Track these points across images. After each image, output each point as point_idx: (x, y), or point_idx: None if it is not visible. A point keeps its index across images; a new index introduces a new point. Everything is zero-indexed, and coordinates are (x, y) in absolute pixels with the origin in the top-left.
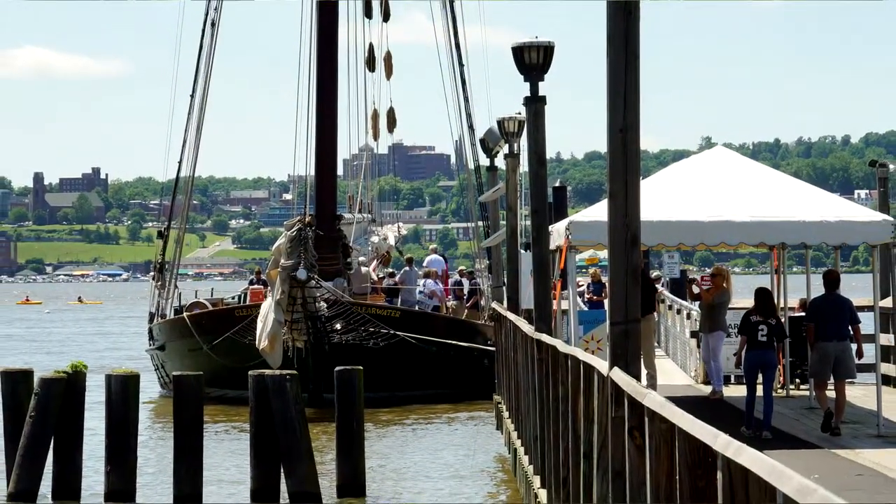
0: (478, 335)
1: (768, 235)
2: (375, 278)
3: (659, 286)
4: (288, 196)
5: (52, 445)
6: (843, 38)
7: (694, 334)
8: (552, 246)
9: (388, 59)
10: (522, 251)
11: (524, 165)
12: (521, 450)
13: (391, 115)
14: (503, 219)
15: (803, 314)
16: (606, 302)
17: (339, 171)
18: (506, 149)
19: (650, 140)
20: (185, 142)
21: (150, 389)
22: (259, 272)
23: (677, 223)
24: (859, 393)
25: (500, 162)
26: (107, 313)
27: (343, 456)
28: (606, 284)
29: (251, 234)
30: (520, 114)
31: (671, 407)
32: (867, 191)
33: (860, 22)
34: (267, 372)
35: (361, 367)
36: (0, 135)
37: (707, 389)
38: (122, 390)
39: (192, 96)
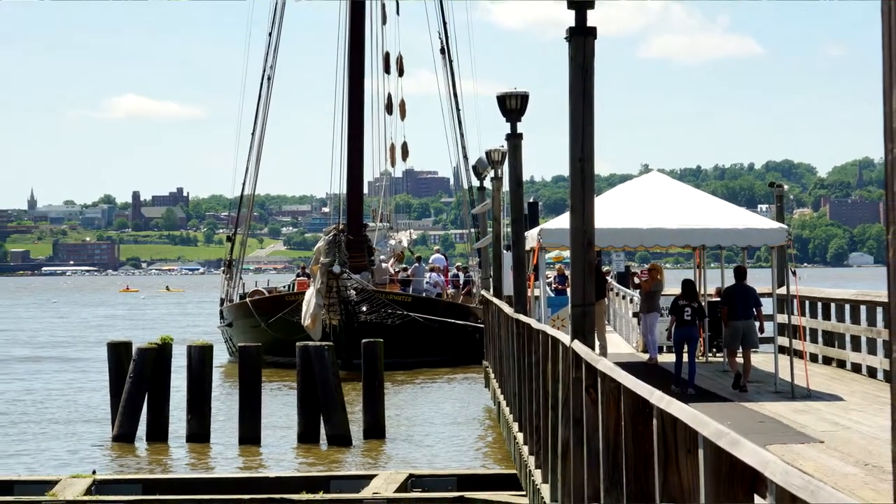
0: (470, 315)
1: (692, 239)
2: (392, 272)
3: (609, 278)
4: (326, 209)
5: (146, 399)
6: (747, 90)
7: (635, 315)
8: (527, 247)
9: (402, 104)
10: (505, 251)
11: (506, 186)
12: (503, 403)
13: (404, 147)
14: (490, 226)
15: (719, 299)
16: (569, 290)
17: (365, 190)
18: (492, 173)
19: (601, 166)
20: (247, 167)
21: (220, 356)
22: (304, 267)
23: (622, 230)
24: (761, 359)
25: (487, 183)
26: (188, 299)
27: (368, 407)
28: (569, 276)
29: (298, 238)
30: (503, 147)
31: (618, 370)
32: (767, 205)
33: (760, 76)
34: (310, 343)
35: (382, 340)
36: (107, 163)
37: (645, 357)
38: (200, 357)
39: (253, 133)
